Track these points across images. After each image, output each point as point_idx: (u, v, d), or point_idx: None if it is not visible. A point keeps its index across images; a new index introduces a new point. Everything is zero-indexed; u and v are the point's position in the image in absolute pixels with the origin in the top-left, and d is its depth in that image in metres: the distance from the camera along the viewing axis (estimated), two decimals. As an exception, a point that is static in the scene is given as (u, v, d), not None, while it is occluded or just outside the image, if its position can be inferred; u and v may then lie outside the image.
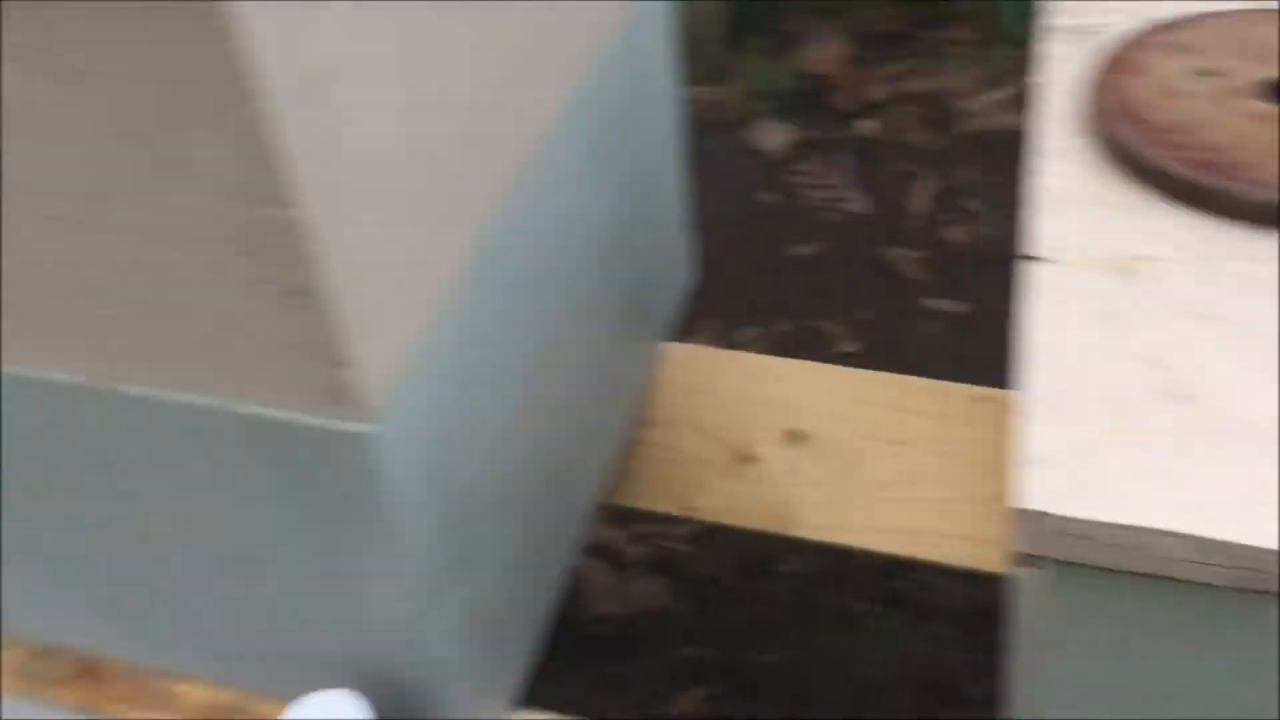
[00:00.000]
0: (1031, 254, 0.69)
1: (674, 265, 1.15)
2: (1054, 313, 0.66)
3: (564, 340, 0.89)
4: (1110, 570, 0.57)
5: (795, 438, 1.12)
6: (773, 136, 1.96)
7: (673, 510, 1.12)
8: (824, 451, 1.12)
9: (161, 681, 0.88)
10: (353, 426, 0.63)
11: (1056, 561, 0.59)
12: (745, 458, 1.13)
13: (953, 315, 1.68)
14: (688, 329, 1.36)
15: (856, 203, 1.86)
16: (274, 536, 0.71)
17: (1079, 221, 0.70)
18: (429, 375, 0.68)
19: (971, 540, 1.04)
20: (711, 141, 1.90)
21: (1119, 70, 0.76)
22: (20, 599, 0.87)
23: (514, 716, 0.91)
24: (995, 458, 1.06)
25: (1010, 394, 1.10)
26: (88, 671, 0.89)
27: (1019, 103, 1.89)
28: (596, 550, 1.46)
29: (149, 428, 0.68)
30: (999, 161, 1.88)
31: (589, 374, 0.96)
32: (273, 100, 0.51)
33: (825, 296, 1.74)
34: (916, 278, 1.74)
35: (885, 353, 1.65)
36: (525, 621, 0.93)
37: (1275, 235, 0.67)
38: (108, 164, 0.56)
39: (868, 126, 1.97)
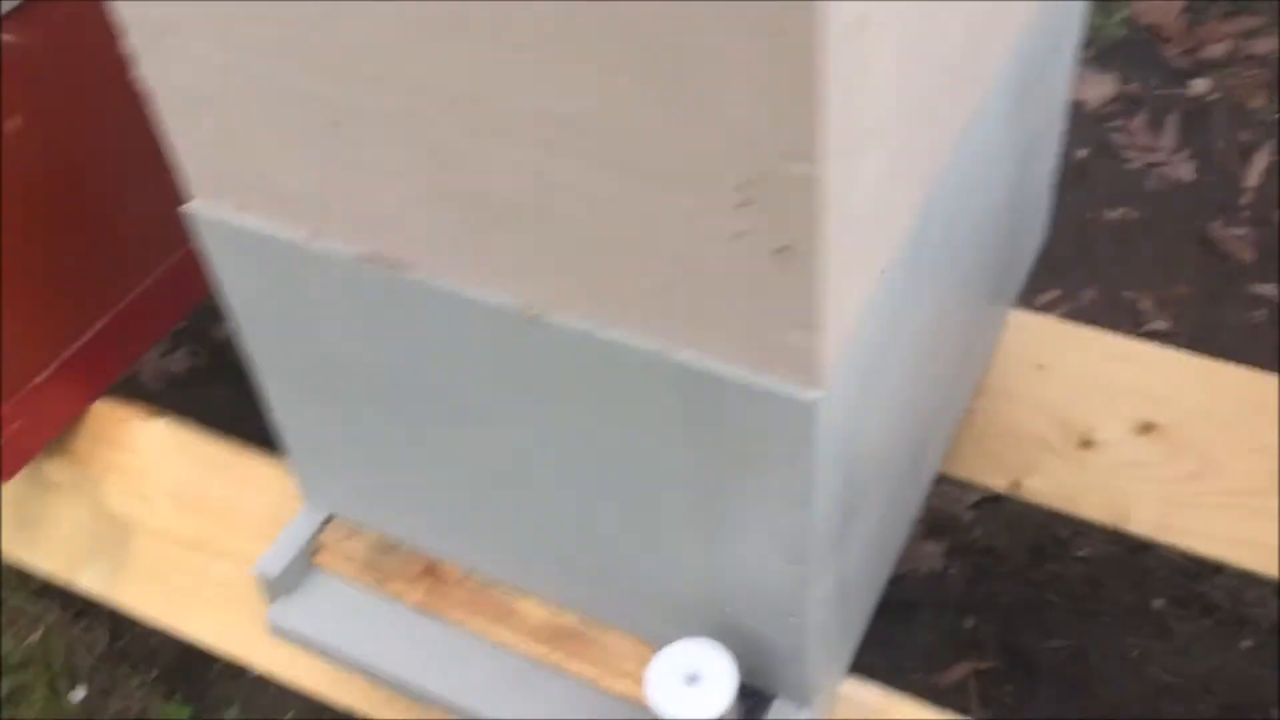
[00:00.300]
0: None
1: (1037, 227, 1.08)
2: None
3: (953, 304, 0.84)
4: None
5: (1146, 428, 1.05)
6: (1093, 88, 1.84)
7: (1000, 487, 1.07)
8: (1176, 447, 1.04)
9: (503, 595, 0.88)
10: (795, 391, 0.60)
11: None
12: (1086, 442, 1.06)
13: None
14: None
15: (1181, 169, 1.73)
16: (674, 482, 0.69)
17: None
18: (861, 341, 0.64)
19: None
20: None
21: None
22: (382, 495, 0.88)
23: (843, 687, 0.89)
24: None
25: None
26: (431, 573, 0.90)
27: (1380, 78, 1.72)
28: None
29: (573, 361, 0.66)
30: (1348, 140, 1.73)
31: (961, 339, 0.91)
32: (825, 47, 0.47)
33: (1137, 267, 1.64)
34: (1242, 258, 1.62)
35: (1199, 335, 1.55)
36: (871, 592, 0.90)
37: None
38: (614, 94, 0.53)
39: (1200, 86, 1.83)
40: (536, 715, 0.84)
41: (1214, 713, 1.22)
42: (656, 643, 0.79)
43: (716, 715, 0.72)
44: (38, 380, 1.07)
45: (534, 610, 0.88)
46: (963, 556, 1.39)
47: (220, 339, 1.72)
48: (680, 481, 0.69)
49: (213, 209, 0.73)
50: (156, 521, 1.09)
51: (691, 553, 0.74)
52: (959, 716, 0.88)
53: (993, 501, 1.43)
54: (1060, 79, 0.98)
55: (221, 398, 1.72)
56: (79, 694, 1.40)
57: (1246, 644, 1.27)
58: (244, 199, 0.72)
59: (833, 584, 0.75)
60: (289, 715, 1.36)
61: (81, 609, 1.46)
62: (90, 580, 1.11)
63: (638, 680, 0.84)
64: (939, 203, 0.70)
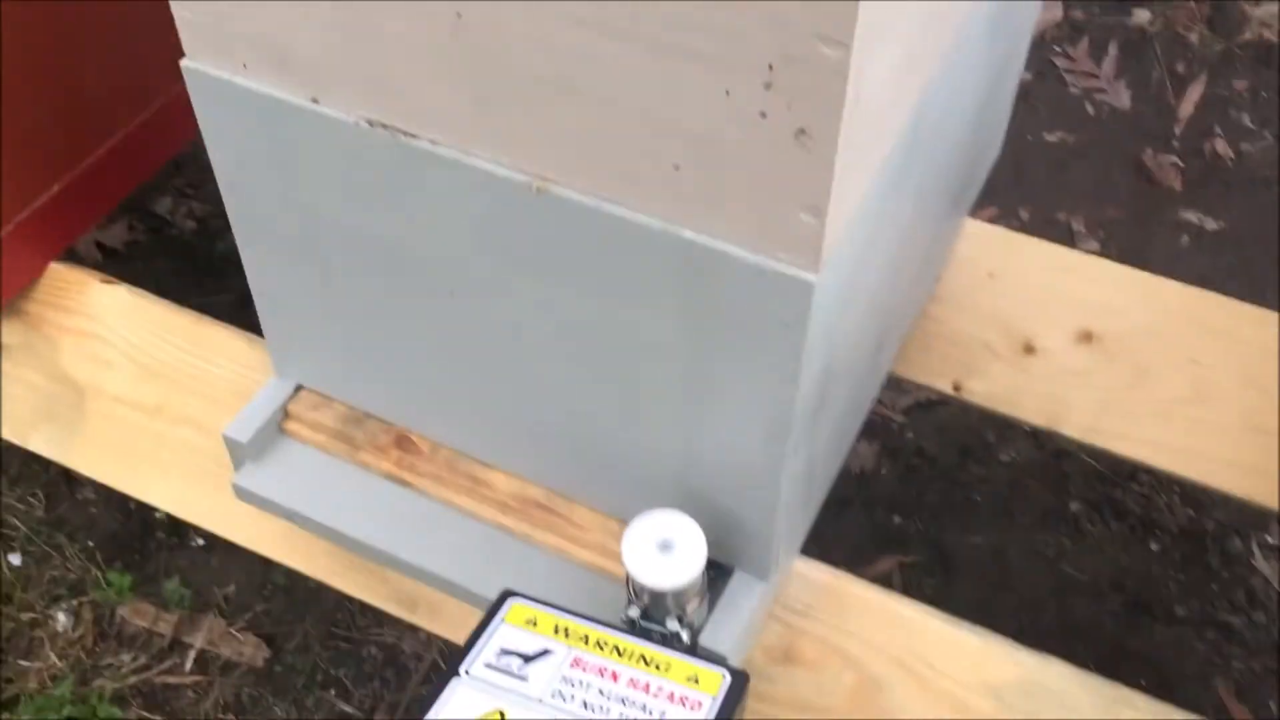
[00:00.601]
0: None
1: (996, 142, 1.12)
2: None
3: (927, 206, 0.87)
4: None
5: (1085, 337, 1.10)
6: (1040, 13, 1.87)
7: (945, 388, 1.11)
8: (1113, 357, 1.10)
9: (473, 467, 0.90)
10: (796, 272, 0.63)
11: None
12: (1028, 348, 1.11)
13: (1206, 230, 1.63)
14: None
15: (1119, 96, 1.78)
16: (665, 359, 0.72)
17: None
18: (856, 230, 0.67)
19: (1257, 472, 1.03)
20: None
21: None
22: (356, 366, 0.89)
23: (797, 565, 0.94)
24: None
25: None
26: (401, 444, 0.92)
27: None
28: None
29: (577, 236, 0.68)
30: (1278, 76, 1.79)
31: (927, 242, 0.94)
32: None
33: (1072, 189, 1.69)
34: (1172, 185, 1.68)
35: (1127, 257, 1.60)
36: (827, 477, 0.94)
37: None
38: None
39: (1142, 16, 1.87)
40: (503, 583, 0.87)
41: (1121, 609, 1.30)
42: (623, 517, 0.82)
43: (688, 581, 0.76)
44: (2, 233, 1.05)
45: (503, 482, 0.90)
46: (894, 458, 1.44)
47: (161, 214, 1.69)
48: (672, 358, 0.72)
49: (213, 68, 0.73)
50: (114, 386, 1.09)
51: (672, 428, 0.77)
52: (903, 597, 0.93)
53: (925, 407, 1.49)
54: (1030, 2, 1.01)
55: (164, 272, 1.70)
56: (14, 559, 1.39)
57: (1154, 547, 1.35)
58: (247, 59, 0.72)
59: (803, 461, 0.79)
60: (229, 587, 1.37)
61: (17, 476, 1.45)
62: (42, 442, 1.10)
63: (603, 552, 0.88)
64: (931, 105, 0.73)
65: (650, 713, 0.68)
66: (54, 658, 1.31)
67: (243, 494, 0.94)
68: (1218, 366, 1.08)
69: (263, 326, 0.92)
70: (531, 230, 0.69)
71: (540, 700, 0.68)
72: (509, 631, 0.73)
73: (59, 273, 1.14)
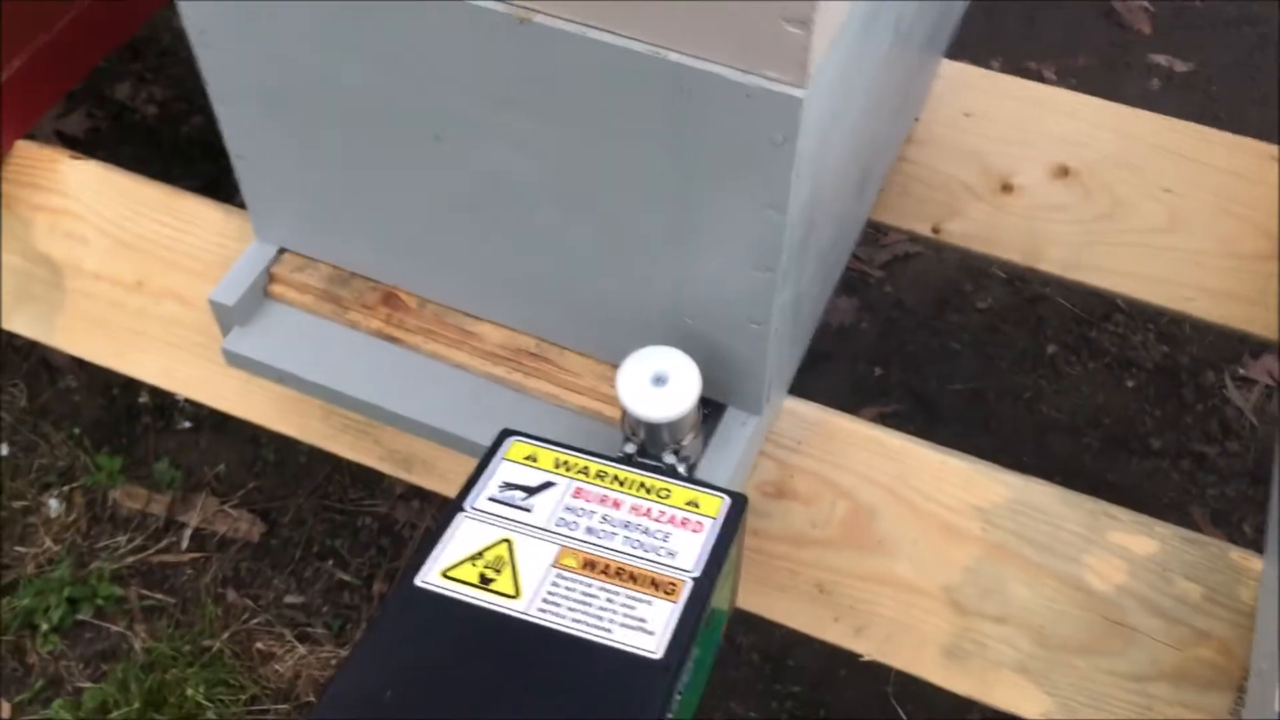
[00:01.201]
0: None
1: (969, -22, 1.11)
2: None
3: (903, 36, 0.87)
4: None
5: (1062, 172, 1.11)
6: None
7: (924, 230, 1.12)
8: (1089, 190, 1.10)
9: (461, 319, 0.91)
10: (783, 89, 0.63)
11: None
12: (1005, 186, 1.12)
13: (1176, 72, 1.63)
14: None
15: (1088, -58, 1.76)
16: (654, 192, 0.72)
17: None
18: (841, 47, 0.67)
19: (1233, 298, 1.05)
20: None
21: None
22: (340, 224, 0.89)
23: (786, 403, 0.95)
24: (1274, 218, 1.05)
25: (1308, 157, 1.08)
26: (389, 301, 0.92)
27: None
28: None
29: (562, 67, 0.67)
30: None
31: (904, 76, 0.94)
32: None
33: (1042, 38, 1.68)
34: (1142, 29, 1.67)
35: (1096, 104, 1.61)
36: (813, 317, 0.95)
37: None
38: None
39: None
40: (498, 431, 0.88)
41: (1098, 444, 1.33)
42: (615, 361, 0.83)
43: (682, 412, 0.77)
44: (-42, 113, 1.03)
45: (492, 333, 0.90)
46: (873, 311, 1.46)
47: (121, 99, 1.66)
48: (661, 191, 0.72)
49: (177, -92, 0.71)
50: (91, 263, 1.08)
51: (663, 264, 0.77)
52: (891, 429, 0.95)
53: (902, 260, 1.50)
54: None
55: (128, 158, 1.66)
56: (2, 450, 1.39)
57: (1130, 383, 1.37)
58: (211, -104, 0.70)
59: (792, 293, 0.80)
60: (220, 466, 1.38)
61: (-5, 367, 1.44)
62: (24, 323, 1.09)
63: (595, 396, 0.89)
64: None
65: (653, 536, 0.70)
66: (49, 542, 1.32)
67: (232, 358, 0.94)
68: (1192, 194, 1.09)
69: (242, 189, 0.91)
70: (516, 64, 0.69)
71: (545, 528, 0.70)
72: (510, 468, 0.74)
73: (26, 149, 1.12)
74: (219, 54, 0.81)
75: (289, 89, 0.79)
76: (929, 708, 1.19)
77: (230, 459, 1.38)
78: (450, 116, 0.74)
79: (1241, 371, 1.37)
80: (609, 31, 0.65)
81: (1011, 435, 1.34)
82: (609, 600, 0.66)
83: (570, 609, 0.65)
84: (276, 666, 1.23)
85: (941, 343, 1.42)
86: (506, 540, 0.69)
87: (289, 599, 1.28)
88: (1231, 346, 1.38)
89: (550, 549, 0.69)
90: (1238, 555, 0.87)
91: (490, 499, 0.71)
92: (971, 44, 1.65)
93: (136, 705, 1.18)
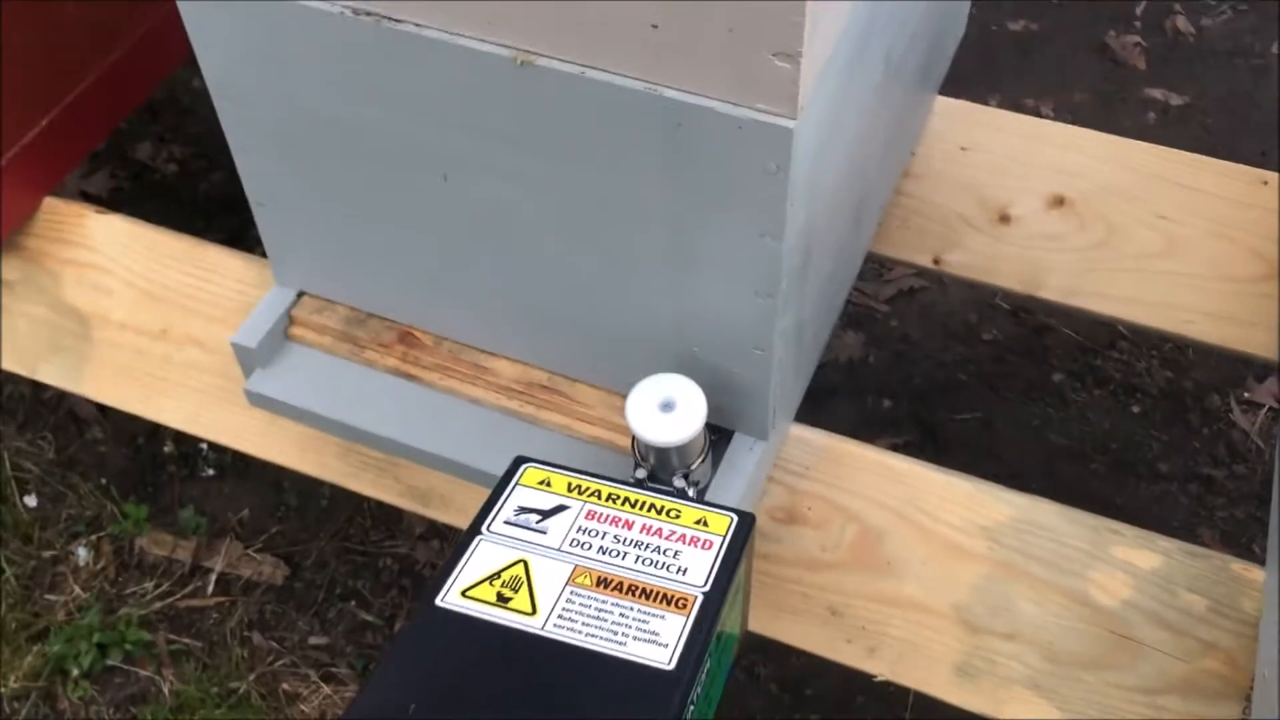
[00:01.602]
0: None
1: (961, 19, 1.14)
2: None
3: (895, 69, 0.90)
4: None
5: (1058, 202, 1.14)
6: (997, -98, 1.89)
7: (925, 263, 1.15)
8: (1085, 219, 1.13)
9: (476, 354, 0.94)
10: (774, 120, 0.66)
11: None
12: (1003, 217, 1.15)
13: (1171, 106, 1.66)
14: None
15: (1081, -19, 1.81)
16: (653, 223, 0.75)
17: None
18: (830, 77, 0.70)
19: (1229, 320, 1.07)
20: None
21: None
22: (356, 266, 0.92)
23: (793, 430, 0.98)
24: (1269, 240, 1.08)
25: (1296, 179, 1.10)
26: (405, 340, 0.95)
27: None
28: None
29: (562, 106, 0.71)
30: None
31: (897, 109, 0.97)
32: None
33: (1038, 76, 1.72)
34: (1137, 64, 1.71)
35: (1095, 138, 1.64)
36: (817, 346, 0.97)
37: None
38: None
39: (1098, -99, 1.89)
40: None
41: (1106, 470, 1.35)
42: (624, 391, 0.85)
43: (690, 436, 0.79)
44: (-6, 171, 1.08)
45: (506, 368, 0.93)
46: (880, 345, 1.48)
47: (142, 159, 1.71)
48: (659, 222, 0.75)
49: (197, -32, 0.75)
50: (118, 313, 1.12)
51: (665, 294, 0.80)
52: (897, 455, 0.97)
53: (907, 295, 1.53)
54: None
55: (151, 216, 1.71)
56: (30, 501, 1.42)
57: (1136, 409, 1.39)
58: (230, -44, 0.74)
59: (793, 321, 0.83)
60: (244, 512, 1.41)
61: (25, 420, 1.48)
62: (53, 373, 1.13)
63: (607, 425, 0.91)
64: (893, -42, 0.76)
65: (664, 554, 0.72)
66: (78, 590, 1.35)
67: (254, 399, 0.97)
68: (1186, 220, 1.11)
69: (262, 235, 0.94)
70: (518, 104, 0.72)
71: (559, 549, 0.72)
72: (524, 492, 0.76)
73: (54, 207, 1.16)
74: (238, 106, 0.84)
75: (304, 136, 0.83)
76: (946, 732, 1.20)
77: (253, 504, 1.41)
78: (457, 156, 0.78)
79: (1246, 395, 1.39)
80: (606, 71, 0.68)
81: (1019, 463, 1.36)
82: (622, 615, 0.68)
83: (585, 624, 0.68)
84: (303, 707, 1.25)
85: (948, 374, 1.44)
86: (523, 561, 0.71)
87: (313, 640, 1.30)
88: (1235, 370, 1.40)
89: (565, 568, 0.71)
90: (1240, 567, 0.89)
91: (506, 522, 0.74)
92: (969, 82, 1.69)
93: (165, 747, 1.20)
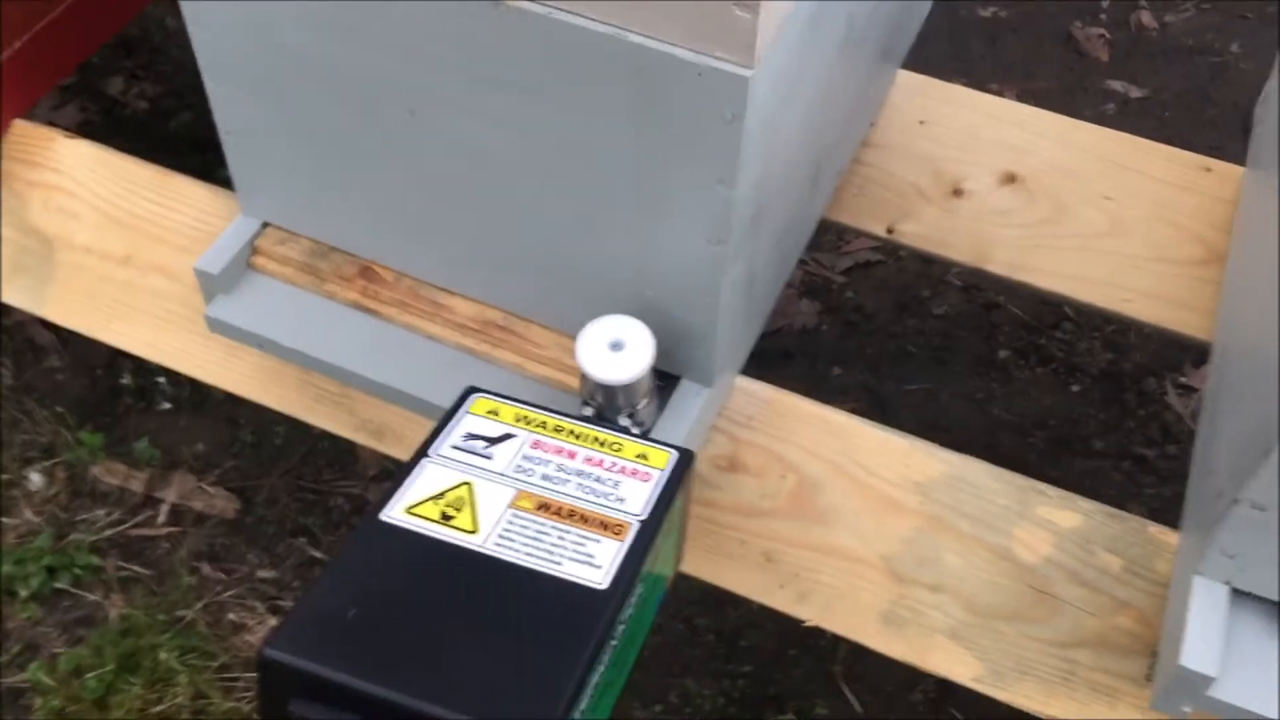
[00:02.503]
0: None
1: (925, -7, 1.17)
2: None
3: (856, 36, 0.93)
4: None
5: (1009, 179, 1.17)
6: (974, -110, 1.92)
7: (879, 231, 1.18)
8: (1034, 196, 1.17)
9: (434, 292, 0.96)
10: (733, 68, 0.69)
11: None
12: (956, 191, 1.18)
13: (1131, 98, 1.70)
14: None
15: (1050, -28, 1.84)
16: (615, 168, 0.77)
17: None
18: (789, 34, 0.73)
19: (1168, 301, 1.10)
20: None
21: None
22: (321, 199, 0.94)
23: (739, 382, 1.00)
24: (1210, 226, 1.11)
25: (1236, 168, 1.14)
26: (365, 274, 0.97)
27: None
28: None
29: (533, 46, 0.73)
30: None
31: (858, 77, 1.00)
32: None
33: (1004, 62, 1.76)
34: (1099, 56, 1.74)
35: (1055, 125, 1.68)
36: (767, 300, 1.00)
37: None
38: None
39: (1073, -106, 1.93)
40: (466, 399, 0.93)
41: (1044, 444, 1.39)
42: (576, 333, 0.88)
43: (637, 375, 0.82)
44: (-40, 90, 1.09)
45: (463, 306, 0.96)
46: (834, 314, 1.52)
47: (112, 94, 1.71)
48: (621, 167, 0.77)
49: (178, -109, 0.77)
50: (82, 237, 1.13)
51: (622, 238, 0.82)
52: (837, 410, 1.00)
53: (863, 267, 1.56)
54: None
55: (119, 150, 1.72)
56: (-14, 425, 1.43)
57: (1076, 388, 1.43)
58: (211, -119, 0.75)
59: (744, 271, 0.86)
60: (198, 445, 1.43)
61: (-18, 346, 1.49)
62: (16, 294, 1.14)
63: (558, 366, 0.94)
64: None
65: (604, 483, 0.75)
66: (30, 514, 1.36)
67: (214, 325, 0.98)
68: (1131, 202, 1.15)
69: (229, 164, 0.96)
70: (491, 43, 0.74)
71: (503, 474, 0.75)
72: (473, 420, 0.79)
73: (23, 129, 1.17)
74: (212, 33, 0.86)
75: (275, 67, 0.85)
76: (873, 686, 1.24)
77: (208, 439, 1.43)
78: (426, 93, 0.80)
79: (1182, 379, 1.43)
80: (575, 14, 0.70)
81: (962, 433, 1.40)
82: (560, 538, 0.71)
83: (524, 544, 0.70)
84: (248, 637, 1.27)
85: (899, 346, 1.48)
86: (467, 483, 0.74)
87: (262, 574, 1.33)
88: (1173, 355, 1.44)
89: (508, 492, 0.74)
90: (1156, 530, 0.93)
91: (454, 447, 0.77)
92: (937, 65, 1.71)
93: (111, 668, 1.22)
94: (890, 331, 1.49)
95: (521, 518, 0.72)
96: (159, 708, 1.21)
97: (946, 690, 1.24)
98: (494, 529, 0.71)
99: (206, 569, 1.33)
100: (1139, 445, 1.38)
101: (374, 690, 0.62)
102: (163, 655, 1.23)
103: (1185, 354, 1.43)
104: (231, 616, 1.29)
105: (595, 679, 0.65)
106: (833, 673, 1.25)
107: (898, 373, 1.46)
